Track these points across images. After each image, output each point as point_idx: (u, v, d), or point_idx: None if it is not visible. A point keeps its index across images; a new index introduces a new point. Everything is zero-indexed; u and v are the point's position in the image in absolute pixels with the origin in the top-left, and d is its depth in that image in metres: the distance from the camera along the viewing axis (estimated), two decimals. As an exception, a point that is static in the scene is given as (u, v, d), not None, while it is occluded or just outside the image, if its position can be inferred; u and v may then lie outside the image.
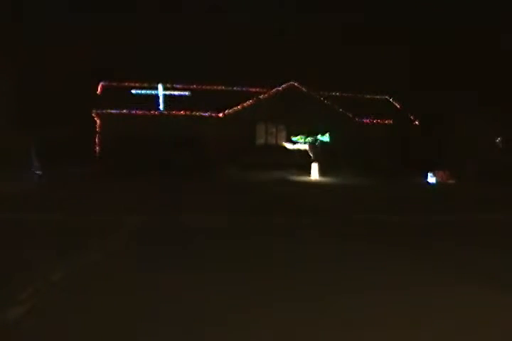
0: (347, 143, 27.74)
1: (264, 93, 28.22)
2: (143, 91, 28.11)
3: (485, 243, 7.11)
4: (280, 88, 28.09)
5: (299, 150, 25.09)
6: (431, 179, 22.39)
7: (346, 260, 5.81)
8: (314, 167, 24.12)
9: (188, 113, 26.83)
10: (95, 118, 27.21)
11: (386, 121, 29.01)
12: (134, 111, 26.39)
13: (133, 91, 27.83)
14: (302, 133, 24.79)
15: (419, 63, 32.27)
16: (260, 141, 28.08)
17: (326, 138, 24.29)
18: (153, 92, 27.99)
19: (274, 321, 3.64)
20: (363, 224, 8.80)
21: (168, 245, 6.55)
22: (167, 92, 28.14)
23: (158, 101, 26.72)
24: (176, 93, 28.15)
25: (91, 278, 4.78)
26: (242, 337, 3.38)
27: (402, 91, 31.25)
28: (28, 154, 21.36)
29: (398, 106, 31.60)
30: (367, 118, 28.65)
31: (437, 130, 27.85)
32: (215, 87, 29.50)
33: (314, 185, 20.02)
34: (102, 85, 28.75)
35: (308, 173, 23.69)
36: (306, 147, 24.70)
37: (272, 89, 28.30)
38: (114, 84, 28.87)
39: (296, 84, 28.10)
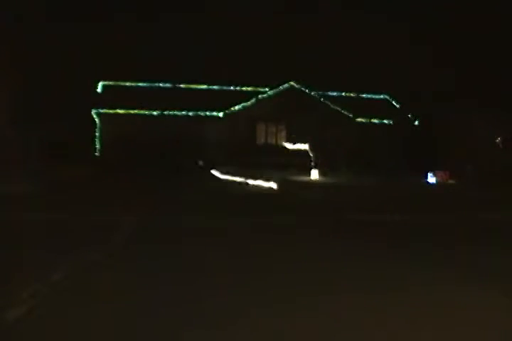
0: (347, 143, 27.80)
1: (264, 93, 28.26)
2: (143, 91, 28.16)
3: (485, 243, 7.11)
4: (280, 88, 28.11)
5: (299, 150, 25.11)
6: (431, 179, 22.39)
7: (344, 260, 5.81)
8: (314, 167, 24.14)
9: (188, 113, 26.86)
10: (95, 118, 27.24)
11: (386, 121, 29.05)
12: (133, 111, 26.41)
13: (133, 91, 27.87)
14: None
15: (419, 63, 32.27)
16: (260, 140, 28.10)
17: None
18: (153, 92, 28.03)
19: (273, 321, 3.65)
20: (363, 224, 8.79)
21: (167, 245, 6.54)
22: (167, 92, 28.18)
23: (158, 101, 26.73)
24: (176, 93, 28.19)
25: (91, 278, 4.78)
26: (243, 339, 3.38)
27: (402, 91, 31.29)
28: (28, 154, 21.36)
29: (398, 106, 31.64)
30: (367, 119, 28.68)
31: (437, 130, 27.85)
32: (215, 87, 29.54)
33: (314, 185, 20.00)
34: (102, 85, 28.77)
35: (309, 173, 23.68)
36: (306, 147, 24.73)
37: (272, 89, 28.33)
38: (114, 83, 28.91)
39: (296, 84, 28.12)
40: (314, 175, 23.50)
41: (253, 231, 7.94)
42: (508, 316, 3.86)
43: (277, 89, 28.15)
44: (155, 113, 26.58)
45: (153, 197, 13.32)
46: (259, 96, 27.91)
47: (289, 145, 25.61)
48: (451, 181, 22.28)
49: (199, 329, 3.46)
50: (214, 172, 23.46)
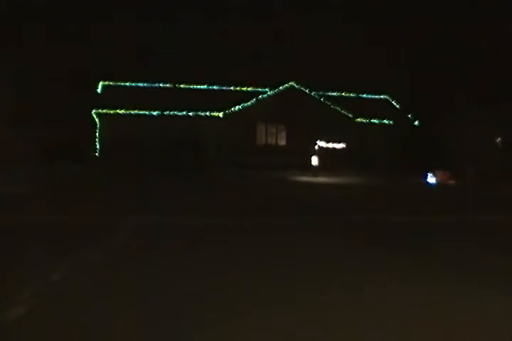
0: (347, 144, 27.82)
1: (264, 93, 28.27)
2: (143, 92, 28.17)
3: (485, 243, 7.10)
4: (280, 88, 28.11)
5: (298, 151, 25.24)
6: (431, 179, 22.35)
7: (345, 260, 5.81)
8: (314, 167, 24.15)
9: (188, 113, 26.86)
10: (95, 118, 27.23)
11: (386, 121, 29.05)
12: (133, 111, 26.39)
13: (133, 91, 27.88)
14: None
15: (419, 63, 32.26)
16: (260, 141, 28.10)
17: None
18: (153, 92, 28.04)
19: (273, 321, 3.64)
20: (363, 225, 8.79)
21: (167, 245, 6.54)
22: (167, 92, 28.19)
23: (158, 101, 26.71)
24: (176, 93, 28.20)
25: (91, 278, 4.78)
26: (242, 339, 3.38)
27: (402, 91, 31.25)
28: (28, 155, 21.36)
29: (398, 107, 31.63)
30: (367, 119, 28.68)
31: (437, 130, 27.85)
32: (215, 87, 29.55)
33: (314, 185, 19.99)
34: (102, 85, 28.76)
35: (309, 173, 23.69)
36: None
37: (272, 89, 28.34)
38: (114, 83, 28.91)
39: (296, 84, 28.12)
40: (315, 175, 23.51)
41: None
42: (509, 317, 3.86)
43: (277, 90, 28.15)
44: (155, 113, 26.57)
45: (153, 198, 13.31)
46: (260, 96, 27.92)
47: (322, 144, 26.32)
48: (451, 181, 22.24)
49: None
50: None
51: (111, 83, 28.92)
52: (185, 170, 23.35)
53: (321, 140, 26.88)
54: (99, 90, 28.58)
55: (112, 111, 26.26)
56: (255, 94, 28.35)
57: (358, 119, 28.26)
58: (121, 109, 26.20)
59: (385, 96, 32.44)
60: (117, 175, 21.31)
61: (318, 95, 28.39)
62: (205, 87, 29.45)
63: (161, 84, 29.34)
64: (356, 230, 8.16)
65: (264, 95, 28.04)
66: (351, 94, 31.51)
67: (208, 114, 27.02)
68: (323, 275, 5.05)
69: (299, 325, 3.56)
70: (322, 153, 25.65)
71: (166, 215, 9.41)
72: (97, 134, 27.24)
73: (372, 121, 28.82)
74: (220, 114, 26.98)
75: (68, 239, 6.79)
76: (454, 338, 3.41)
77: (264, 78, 30.14)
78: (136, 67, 33.23)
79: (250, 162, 24.87)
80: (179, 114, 26.76)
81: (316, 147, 26.19)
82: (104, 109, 26.43)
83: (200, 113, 26.96)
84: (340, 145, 27.48)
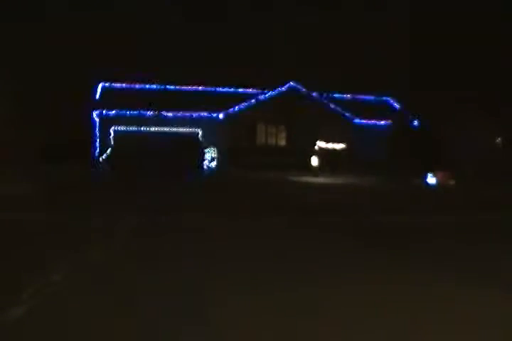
0: (347, 144, 27.85)
1: (265, 94, 28.28)
2: (143, 92, 28.20)
3: (485, 243, 7.10)
4: (280, 88, 28.13)
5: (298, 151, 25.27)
6: (431, 179, 22.31)
7: (344, 259, 5.81)
8: (315, 167, 24.18)
9: (188, 113, 26.88)
10: (95, 119, 27.24)
11: (386, 122, 29.06)
12: (133, 112, 26.41)
13: (133, 92, 27.91)
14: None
15: (419, 63, 32.28)
16: (260, 141, 28.13)
17: None
18: (153, 93, 28.07)
19: (273, 321, 3.64)
20: (363, 225, 8.79)
21: (167, 245, 6.54)
22: (168, 93, 28.22)
23: (158, 102, 26.75)
24: (176, 93, 28.23)
25: (91, 278, 4.77)
26: (242, 336, 3.38)
27: (402, 91, 31.27)
28: (26, 155, 21.39)
29: (398, 107, 31.64)
30: (367, 119, 28.69)
31: (437, 130, 27.85)
32: (215, 87, 29.58)
33: (314, 185, 20.01)
34: (102, 86, 28.78)
35: (309, 173, 23.71)
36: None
37: (272, 89, 28.35)
38: (114, 84, 28.93)
39: (296, 84, 28.14)
40: (315, 175, 23.53)
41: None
42: (508, 316, 3.86)
43: (277, 90, 28.18)
44: (154, 114, 26.59)
45: (152, 199, 13.31)
46: (260, 96, 27.95)
47: (321, 145, 26.33)
48: (451, 182, 22.20)
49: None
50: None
51: (111, 84, 28.95)
52: (185, 170, 23.36)
53: (320, 140, 26.87)
54: (98, 91, 28.61)
55: (111, 113, 26.29)
56: (255, 94, 28.38)
57: (358, 120, 28.29)
58: (122, 109, 26.24)
59: (386, 97, 32.45)
60: (116, 175, 21.31)
61: (318, 96, 28.41)
62: (205, 87, 29.48)
63: (161, 85, 29.37)
64: (355, 230, 8.16)
65: (265, 96, 28.07)
66: (351, 95, 31.52)
67: (208, 114, 27.05)
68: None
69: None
70: (322, 153, 25.68)
71: (166, 216, 9.41)
72: (97, 135, 27.25)
73: (372, 121, 28.83)
74: (221, 115, 27.01)
75: (68, 239, 6.79)
76: (453, 337, 3.41)
77: (264, 78, 30.17)
78: (136, 68, 33.24)
79: (250, 162, 24.90)
80: (180, 115, 26.79)
81: (316, 147, 26.22)
82: (103, 111, 26.47)
83: (200, 113, 26.99)
84: (340, 146, 27.44)
